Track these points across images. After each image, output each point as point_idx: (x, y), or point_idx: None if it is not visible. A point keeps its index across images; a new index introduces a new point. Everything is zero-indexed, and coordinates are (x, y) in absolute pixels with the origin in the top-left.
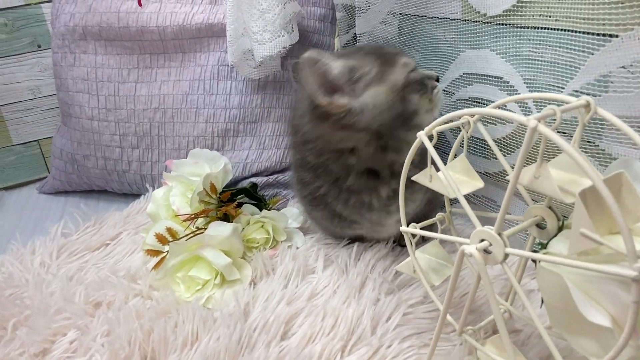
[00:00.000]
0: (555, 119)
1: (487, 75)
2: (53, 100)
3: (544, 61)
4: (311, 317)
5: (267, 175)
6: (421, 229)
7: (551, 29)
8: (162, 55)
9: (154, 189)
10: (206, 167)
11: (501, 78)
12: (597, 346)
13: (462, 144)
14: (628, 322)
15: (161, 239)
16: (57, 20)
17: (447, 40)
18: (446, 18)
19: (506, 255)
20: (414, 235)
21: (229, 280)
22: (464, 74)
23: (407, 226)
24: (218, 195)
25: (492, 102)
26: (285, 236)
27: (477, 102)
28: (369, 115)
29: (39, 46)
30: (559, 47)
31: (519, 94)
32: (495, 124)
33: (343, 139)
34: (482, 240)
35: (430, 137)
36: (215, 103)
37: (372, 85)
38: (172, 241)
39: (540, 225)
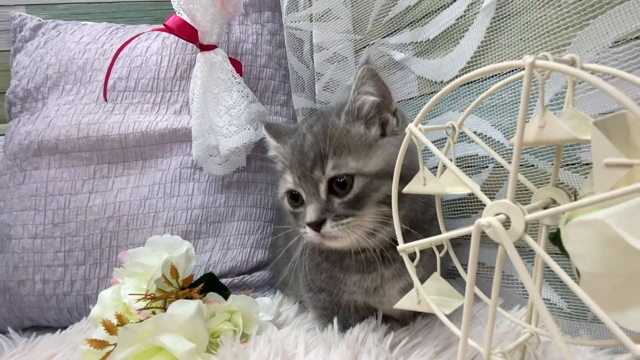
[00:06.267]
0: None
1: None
2: None
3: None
4: None
5: (232, 277)
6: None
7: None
8: (121, 163)
9: None
10: (166, 255)
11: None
12: None
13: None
14: None
15: (108, 327)
16: (11, 141)
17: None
18: (404, 99)
19: (527, 226)
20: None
21: None
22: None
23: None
24: (179, 282)
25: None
26: (257, 328)
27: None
28: None
29: None
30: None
31: (494, 139)
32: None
33: None
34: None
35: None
36: (176, 205)
37: None
38: (121, 327)
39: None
